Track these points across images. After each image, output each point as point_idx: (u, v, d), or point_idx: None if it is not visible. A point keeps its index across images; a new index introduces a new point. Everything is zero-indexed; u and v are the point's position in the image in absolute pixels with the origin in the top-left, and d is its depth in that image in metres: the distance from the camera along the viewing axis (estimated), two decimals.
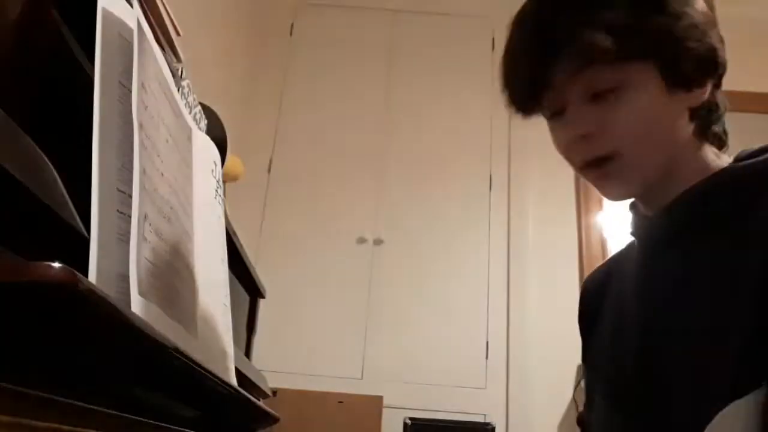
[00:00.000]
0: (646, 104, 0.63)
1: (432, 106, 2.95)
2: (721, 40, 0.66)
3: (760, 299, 0.55)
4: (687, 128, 0.66)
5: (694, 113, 0.66)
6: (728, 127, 0.71)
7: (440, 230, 2.75)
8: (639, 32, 0.61)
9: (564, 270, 2.74)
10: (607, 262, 0.86)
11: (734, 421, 0.54)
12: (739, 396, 0.54)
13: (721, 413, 0.55)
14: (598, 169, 0.65)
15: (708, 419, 0.55)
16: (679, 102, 0.65)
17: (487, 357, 2.59)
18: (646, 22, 0.61)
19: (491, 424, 2.20)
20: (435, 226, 2.76)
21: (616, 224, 2.76)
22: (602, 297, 0.80)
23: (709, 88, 0.66)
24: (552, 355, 2.58)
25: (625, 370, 0.69)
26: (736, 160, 0.66)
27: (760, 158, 0.63)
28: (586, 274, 2.72)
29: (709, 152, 0.68)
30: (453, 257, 2.72)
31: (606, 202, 2.85)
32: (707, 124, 0.68)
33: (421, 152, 2.87)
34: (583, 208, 2.82)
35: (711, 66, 0.65)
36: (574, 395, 2.54)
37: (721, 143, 0.70)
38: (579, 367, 2.57)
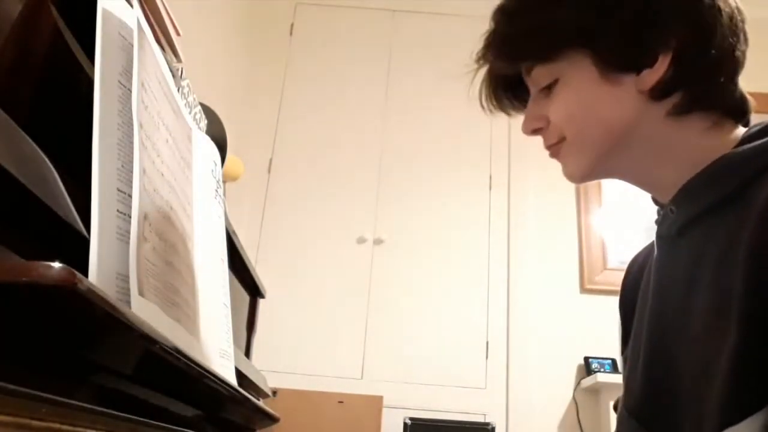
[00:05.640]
0: (577, 93, 0.65)
1: (432, 106, 2.95)
2: (678, 5, 0.60)
3: (747, 306, 0.50)
4: (650, 109, 0.62)
5: (657, 93, 0.62)
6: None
7: (440, 230, 2.75)
8: (550, 30, 0.65)
9: (564, 270, 2.74)
10: (650, 243, 0.81)
11: None
12: (733, 422, 0.49)
13: None
14: (552, 151, 0.71)
15: None
16: (625, 86, 0.62)
17: (487, 357, 2.59)
18: (555, 19, 0.64)
19: (491, 424, 2.20)
20: (435, 226, 2.76)
21: (616, 224, 2.76)
22: (640, 282, 0.75)
23: (663, 65, 0.60)
24: (552, 355, 2.58)
25: (636, 377, 0.66)
26: (741, 141, 0.60)
27: (755, 144, 0.58)
28: (587, 274, 2.73)
29: (707, 132, 0.62)
30: (453, 257, 2.72)
31: (606, 201, 2.86)
32: (689, 101, 0.62)
33: (421, 152, 2.88)
34: (583, 208, 2.82)
35: (654, 42, 0.61)
36: (574, 395, 2.54)
37: (733, 113, 0.63)
38: (579, 367, 2.57)
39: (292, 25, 3.10)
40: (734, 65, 0.63)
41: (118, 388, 0.45)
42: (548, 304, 2.68)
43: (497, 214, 2.81)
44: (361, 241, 2.72)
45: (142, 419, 0.46)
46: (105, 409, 0.39)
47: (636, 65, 0.62)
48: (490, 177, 2.86)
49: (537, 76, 0.67)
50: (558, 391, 2.54)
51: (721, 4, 0.62)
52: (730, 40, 0.62)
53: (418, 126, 2.92)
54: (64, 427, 0.32)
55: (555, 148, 0.69)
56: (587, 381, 2.48)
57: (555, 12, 0.64)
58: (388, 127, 2.92)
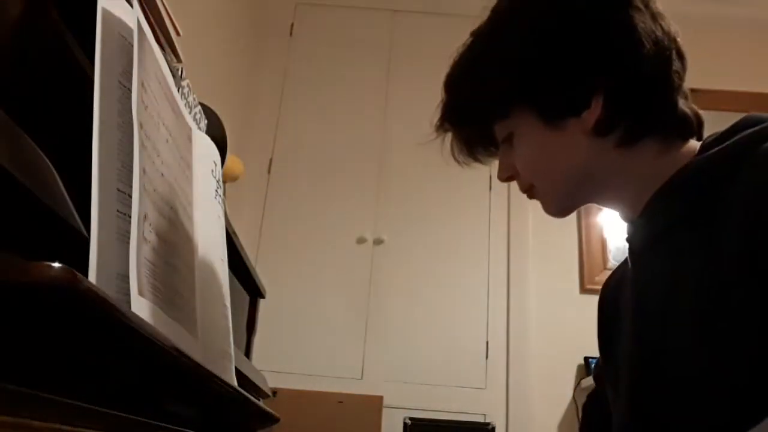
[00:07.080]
0: (530, 144, 0.70)
1: (432, 106, 2.94)
2: (598, 49, 0.63)
3: (754, 300, 0.50)
4: (599, 145, 0.66)
5: (601, 129, 0.65)
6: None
7: (440, 230, 2.75)
8: (490, 95, 0.70)
9: (564, 270, 2.74)
10: (625, 260, 0.83)
11: None
12: (755, 421, 0.48)
13: None
14: (528, 195, 0.75)
15: None
16: (570, 129, 0.66)
17: (487, 357, 2.59)
18: (494, 85, 0.69)
19: (491, 424, 2.20)
20: (435, 226, 2.76)
21: (616, 224, 2.76)
22: (617, 303, 0.76)
23: (598, 104, 0.64)
24: (552, 355, 2.58)
25: (620, 392, 0.67)
26: (701, 149, 0.63)
27: (714, 151, 0.60)
28: (587, 274, 2.73)
29: (663, 152, 0.65)
30: (453, 257, 2.72)
31: None
32: (633, 130, 0.65)
33: (421, 152, 2.87)
34: (583, 208, 2.81)
35: (583, 86, 0.64)
36: (574, 395, 2.54)
37: (681, 131, 0.66)
38: (579, 367, 2.57)
39: (292, 25, 3.09)
40: (669, 88, 0.65)
41: (119, 388, 0.45)
42: (548, 304, 2.67)
43: (497, 214, 2.81)
44: (361, 241, 2.72)
45: (142, 419, 0.46)
46: (105, 409, 0.39)
47: (573, 110, 0.65)
48: (490, 177, 2.85)
49: (496, 131, 0.73)
50: (558, 391, 2.54)
51: (642, 35, 0.63)
52: (659, 65, 0.64)
53: (418, 125, 2.91)
54: (64, 427, 0.32)
55: (529, 193, 0.74)
56: (587, 381, 2.48)
57: (492, 78, 0.69)
58: (388, 127, 2.92)
